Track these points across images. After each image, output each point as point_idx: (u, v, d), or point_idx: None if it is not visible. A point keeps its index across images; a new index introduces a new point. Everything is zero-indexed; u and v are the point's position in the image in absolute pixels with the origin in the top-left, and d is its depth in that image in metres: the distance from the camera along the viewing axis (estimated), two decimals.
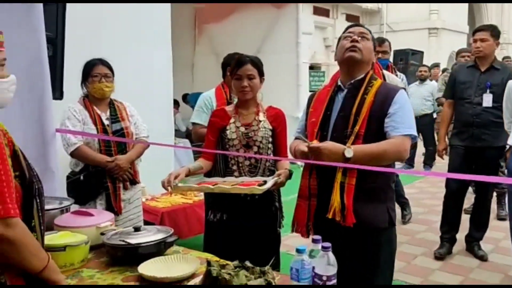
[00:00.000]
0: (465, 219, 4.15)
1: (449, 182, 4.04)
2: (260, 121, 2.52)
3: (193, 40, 9.16)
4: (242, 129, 2.50)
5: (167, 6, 5.01)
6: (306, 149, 2.01)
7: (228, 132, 2.50)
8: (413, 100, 7.48)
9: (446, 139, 4.25)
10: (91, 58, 2.96)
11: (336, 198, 2.00)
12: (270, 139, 2.53)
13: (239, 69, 2.47)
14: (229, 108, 2.62)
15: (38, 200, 1.42)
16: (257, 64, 2.51)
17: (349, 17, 14.56)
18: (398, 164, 8.15)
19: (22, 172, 1.37)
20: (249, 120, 2.52)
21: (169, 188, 2.26)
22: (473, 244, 4.02)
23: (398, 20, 15.60)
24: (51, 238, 1.90)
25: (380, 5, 15.56)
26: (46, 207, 2.21)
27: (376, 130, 2.01)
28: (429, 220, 5.06)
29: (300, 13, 7.50)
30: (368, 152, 1.96)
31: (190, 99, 8.13)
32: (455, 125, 4.01)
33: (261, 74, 2.53)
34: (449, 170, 3.97)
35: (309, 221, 2.15)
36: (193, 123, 3.32)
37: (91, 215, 2.15)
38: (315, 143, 1.98)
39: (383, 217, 2.06)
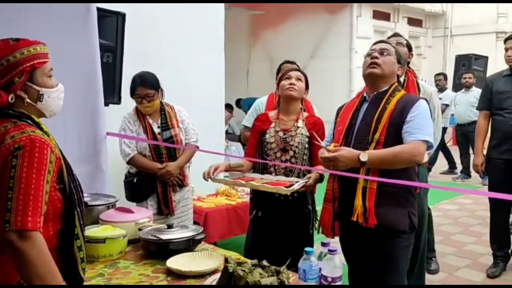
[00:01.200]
0: None
1: (492, 199, 3.84)
2: (298, 127, 2.66)
3: (249, 46, 9.37)
4: (281, 133, 2.66)
5: (221, 12, 5.23)
6: (323, 158, 2.11)
7: (267, 136, 2.68)
8: (460, 108, 7.37)
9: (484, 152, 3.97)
10: (146, 63, 3.16)
11: (358, 202, 2.10)
12: (307, 145, 2.65)
13: (289, 72, 2.68)
14: (271, 114, 2.78)
15: (79, 210, 1.52)
16: (306, 76, 2.71)
17: (411, 21, 14.17)
18: (444, 174, 7.91)
19: (65, 185, 1.48)
20: (289, 126, 2.67)
21: (209, 179, 2.47)
22: None
23: (464, 24, 14.97)
24: (93, 231, 2.11)
25: (444, 8, 15.01)
26: (94, 203, 2.47)
27: (395, 137, 2.10)
28: (480, 232, 4.90)
29: (354, 18, 7.49)
30: (382, 155, 2.05)
31: (243, 103, 8.34)
32: (493, 136, 3.81)
33: (307, 85, 2.71)
34: (490, 188, 3.83)
35: (334, 222, 2.28)
36: (244, 126, 3.55)
37: (131, 212, 2.35)
38: (330, 153, 2.05)
39: (404, 220, 2.14)
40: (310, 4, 7.86)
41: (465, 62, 10.18)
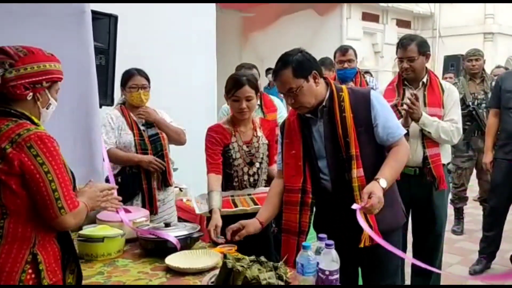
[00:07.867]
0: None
1: (490, 198, 3.89)
2: (259, 136, 2.64)
3: (239, 48, 9.41)
4: (245, 147, 2.59)
5: (213, 14, 5.26)
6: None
7: (232, 151, 2.57)
8: None
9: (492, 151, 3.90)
10: (137, 65, 3.18)
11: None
12: (267, 153, 2.67)
13: (237, 91, 2.49)
14: (225, 125, 2.63)
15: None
16: (254, 84, 2.55)
17: (399, 22, 14.32)
18: None
19: None
20: (249, 137, 2.62)
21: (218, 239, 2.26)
22: None
23: (452, 25, 15.15)
24: (92, 230, 2.14)
25: (432, 9, 15.19)
26: None
27: (368, 144, 2.01)
28: (470, 229, 4.97)
29: (344, 20, 7.56)
30: (391, 172, 1.95)
31: None
32: (500, 136, 3.75)
33: (257, 92, 2.59)
34: (491, 187, 3.85)
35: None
36: None
37: (128, 211, 2.37)
38: (367, 203, 1.83)
39: (400, 214, 2.17)
40: (300, 6, 7.92)
41: (453, 63, 10.33)
